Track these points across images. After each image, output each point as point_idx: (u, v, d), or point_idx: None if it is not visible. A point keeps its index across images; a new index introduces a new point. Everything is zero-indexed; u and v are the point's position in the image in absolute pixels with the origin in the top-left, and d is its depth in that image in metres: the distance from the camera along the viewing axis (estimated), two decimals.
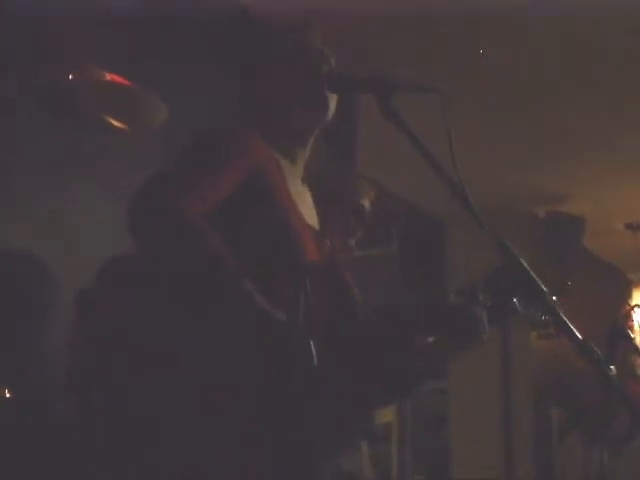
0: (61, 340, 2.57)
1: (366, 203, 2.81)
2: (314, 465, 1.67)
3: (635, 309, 7.36)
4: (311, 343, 1.54)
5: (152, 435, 1.64)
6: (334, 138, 2.12)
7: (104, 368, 1.71)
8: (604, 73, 4.34)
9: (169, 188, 1.69)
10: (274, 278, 1.68)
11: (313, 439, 1.62)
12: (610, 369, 1.60)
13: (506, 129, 5.10)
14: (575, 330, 1.60)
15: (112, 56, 2.81)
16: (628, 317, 7.19)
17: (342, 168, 3.85)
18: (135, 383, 1.67)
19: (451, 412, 6.07)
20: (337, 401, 1.79)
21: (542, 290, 1.61)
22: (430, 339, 2.12)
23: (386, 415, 5.50)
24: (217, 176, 1.77)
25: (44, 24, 2.86)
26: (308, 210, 2.00)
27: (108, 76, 2.71)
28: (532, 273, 1.62)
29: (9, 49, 2.83)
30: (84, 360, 1.77)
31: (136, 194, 1.67)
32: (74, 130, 2.91)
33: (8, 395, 2.15)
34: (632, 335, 4.82)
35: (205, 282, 1.64)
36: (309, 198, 2.04)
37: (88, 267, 1.78)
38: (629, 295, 8.45)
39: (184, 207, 1.66)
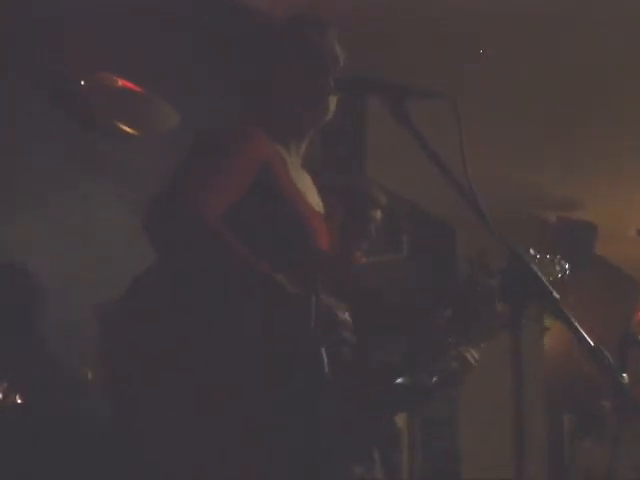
0: (65, 345, 2.58)
1: (377, 214, 2.82)
2: (318, 467, 1.67)
3: None
4: (323, 351, 1.54)
5: (152, 435, 1.64)
6: (344, 140, 2.12)
7: (115, 373, 1.72)
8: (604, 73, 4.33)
9: (184, 194, 1.69)
10: (291, 273, 1.69)
11: (316, 441, 1.62)
12: (622, 376, 1.59)
13: (508, 129, 5.08)
14: (587, 336, 1.59)
15: (124, 62, 2.82)
16: None
17: (352, 171, 3.85)
18: (136, 384, 1.67)
19: (462, 417, 6.05)
20: (343, 403, 1.79)
21: (554, 296, 1.60)
22: (446, 313, 2.12)
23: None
24: (230, 177, 1.78)
25: (56, 30, 2.87)
26: (312, 194, 2.03)
27: (120, 82, 2.72)
28: (544, 279, 1.61)
29: (21, 54, 2.84)
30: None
31: (152, 203, 1.67)
32: (83, 134, 2.92)
33: (19, 401, 2.16)
34: None
35: (232, 282, 1.66)
36: (310, 182, 2.06)
37: (89, 268, 1.78)
38: None
39: (202, 211, 1.67)
